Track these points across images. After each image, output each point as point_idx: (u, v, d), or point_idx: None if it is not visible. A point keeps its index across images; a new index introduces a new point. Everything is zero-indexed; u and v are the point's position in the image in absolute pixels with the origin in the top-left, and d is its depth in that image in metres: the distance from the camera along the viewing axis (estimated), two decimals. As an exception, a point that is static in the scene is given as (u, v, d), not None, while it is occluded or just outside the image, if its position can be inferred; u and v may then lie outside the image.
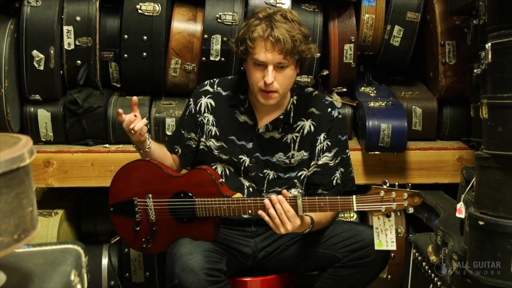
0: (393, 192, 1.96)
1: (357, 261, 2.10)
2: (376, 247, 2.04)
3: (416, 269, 2.41)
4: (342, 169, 2.26)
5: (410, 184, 1.99)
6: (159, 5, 2.73)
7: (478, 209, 1.78)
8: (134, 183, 2.17)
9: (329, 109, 2.24)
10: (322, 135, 2.22)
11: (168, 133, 2.74)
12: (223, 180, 2.19)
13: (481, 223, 1.72)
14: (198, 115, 2.27)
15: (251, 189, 2.22)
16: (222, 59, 2.75)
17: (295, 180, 2.23)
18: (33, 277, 1.07)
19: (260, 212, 2.01)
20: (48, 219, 2.73)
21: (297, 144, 2.22)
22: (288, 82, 2.11)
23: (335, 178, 2.23)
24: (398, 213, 2.00)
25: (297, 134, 2.22)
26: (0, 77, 2.55)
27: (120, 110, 2.12)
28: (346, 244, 2.13)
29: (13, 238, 0.95)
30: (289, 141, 2.22)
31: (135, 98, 2.15)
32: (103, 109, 2.77)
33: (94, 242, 2.88)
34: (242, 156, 2.22)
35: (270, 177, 2.22)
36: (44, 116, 2.76)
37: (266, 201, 1.99)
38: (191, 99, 2.31)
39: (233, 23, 2.73)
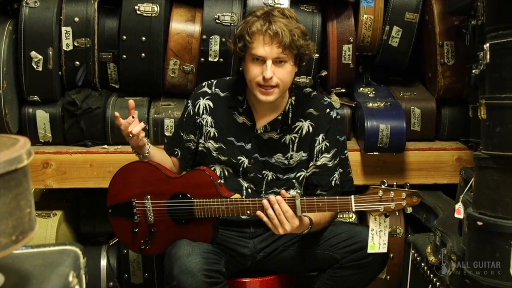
0: (392, 192, 1.96)
1: (356, 262, 2.10)
2: (369, 250, 2.04)
3: (415, 269, 2.41)
4: (340, 170, 2.26)
5: (408, 184, 1.98)
6: (158, 6, 2.73)
7: (476, 210, 1.78)
8: (132, 184, 2.17)
9: (328, 110, 2.24)
10: (321, 135, 2.22)
11: (167, 134, 2.74)
12: (222, 181, 2.19)
13: (479, 223, 1.73)
14: (196, 117, 2.26)
15: (249, 190, 2.22)
16: (221, 60, 2.75)
17: (294, 181, 2.23)
18: (31, 279, 1.07)
19: (259, 212, 2.00)
20: (47, 220, 2.73)
21: (295, 145, 2.22)
22: (287, 78, 2.10)
23: (334, 179, 2.23)
24: (397, 213, 2.00)
25: (295, 135, 2.22)
26: (-2, 78, 2.55)
27: (117, 114, 2.11)
28: (345, 245, 2.13)
29: (11, 239, 0.95)
30: (287, 142, 2.22)
31: (131, 101, 2.13)
32: (102, 110, 2.77)
33: (92, 243, 2.88)
34: (241, 157, 2.22)
35: (269, 178, 2.22)
36: (42, 117, 2.76)
37: (265, 201, 1.99)
38: (189, 101, 2.31)
39: (232, 24, 2.73)
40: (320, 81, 2.91)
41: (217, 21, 2.74)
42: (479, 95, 1.89)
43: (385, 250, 2.04)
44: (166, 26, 2.78)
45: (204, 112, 2.25)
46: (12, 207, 0.95)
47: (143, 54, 2.75)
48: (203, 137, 2.25)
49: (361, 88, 3.02)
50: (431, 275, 2.21)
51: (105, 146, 2.79)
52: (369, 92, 2.98)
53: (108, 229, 2.71)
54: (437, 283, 2.15)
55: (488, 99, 1.75)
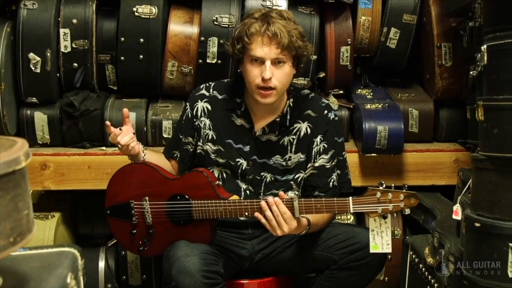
0: (390, 194, 1.96)
1: (354, 263, 2.10)
2: (372, 250, 2.04)
3: (413, 271, 2.41)
4: (338, 171, 2.26)
5: (406, 186, 1.99)
6: (156, 7, 2.73)
7: (474, 211, 1.79)
8: (130, 186, 2.16)
9: (326, 111, 2.24)
10: (319, 137, 2.22)
11: (165, 135, 2.74)
12: (220, 182, 2.19)
13: (477, 224, 1.73)
14: (194, 119, 2.26)
15: (248, 191, 2.22)
16: (219, 61, 2.75)
17: (292, 183, 2.23)
18: (29, 280, 1.07)
19: (257, 214, 2.01)
20: (45, 222, 2.73)
21: (293, 146, 2.22)
22: (285, 79, 2.11)
23: (332, 180, 2.23)
24: (395, 214, 2.01)
25: (293, 137, 2.22)
26: (-4, 80, 2.55)
27: (108, 123, 2.12)
28: (343, 246, 2.13)
29: (9, 241, 0.95)
30: (285, 143, 2.22)
31: (125, 110, 2.14)
32: (100, 112, 2.77)
33: (91, 245, 2.88)
34: (239, 159, 2.22)
35: (267, 180, 2.23)
36: (40, 118, 2.76)
37: (263, 203, 1.99)
38: (187, 104, 2.31)
39: (230, 26, 2.73)
40: (318, 82, 2.91)
41: (215, 22, 2.74)
42: (476, 96, 1.89)
43: (389, 250, 2.04)
44: (164, 27, 2.78)
45: (202, 114, 2.26)
46: (10, 209, 0.95)
47: (141, 56, 2.75)
48: (201, 140, 2.26)
49: (359, 90, 3.02)
50: (429, 277, 2.21)
51: (103, 147, 2.79)
52: (367, 94, 2.98)
53: (106, 231, 2.72)
54: (435, 285, 2.15)
55: (486, 101, 1.76)
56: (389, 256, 2.67)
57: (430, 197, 2.72)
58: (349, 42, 2.80)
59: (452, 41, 2.78)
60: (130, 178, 2.18)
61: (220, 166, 2.23)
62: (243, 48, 2.09)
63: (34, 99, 2.74)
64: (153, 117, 2.78)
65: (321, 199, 2.02)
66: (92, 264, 2.74)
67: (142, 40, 2.73)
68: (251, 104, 2.21)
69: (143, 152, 2.18)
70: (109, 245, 2.71)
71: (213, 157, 2.23)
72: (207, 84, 2.30)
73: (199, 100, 2.27)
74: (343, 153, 2.29)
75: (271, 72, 2.05)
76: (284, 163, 2.22)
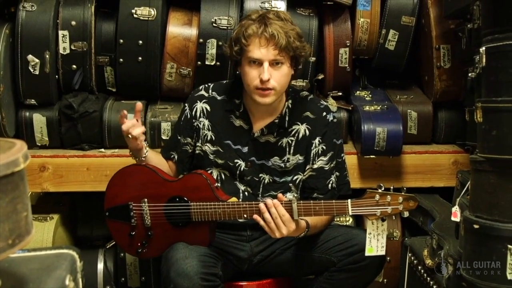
0: (388, 196, 1.96)
1: (352, 265, 2.10)
2: (367, 253, 2.04)
3: (411, 272, 2.41)
4: (337, 173, 2.26)
5: (405, 188, 1.99)
6: (155, 9, 2.73)
7: (473, 213, 1.79)
8: (129, 188, 2.16)
9: (324, 113, 2.25)
10: (317, 139, 2.22)
11: (164, 137, 2.74)
12: (219, 184, 2.19)
13: (476, 226, 1.73)
14: (193, 120, 2.27)
15: (246, 193, 2.22)
16: (218, 63, 2.75)
17: (291, 184, 2.23)
18: (28, 282, 1.07)
19: (256, 216, 2.01)
20: (44, 224, 2.72)
21: (292, 148, 2.22)
22: (283, 80, 2.11)
23: (330, 182, 2.23)
24: (393, 217, 2.00)
25: (292, 138, 2.22)
26: (-5, 82, 2.55)
27: (125, 112, 2.11)
28: (341, 248, 2.13)
29: (8, 243, 0.95)
30: (284, 145, 2.22)
31: (139, 104, 2.15)
32: (99, 114, 2.77)
33: (89, 246, 2.87)
34: (238, 160, 2.22)
35: (266, 181, 2.23)
36: (39, 120, 2.76)
37: (261, 205, 1.99)
38: (186, 104, 2.31)
39: (229, 28, 2.73)
40: (317, 84, 2.91)
41: (214, 24, 2.74)
42: (475, 98, 1.89)
43: (383, 252, 2.04)
44: (163, 29, 2.78)
45: (201, 115, 2.26)
46: (9, 210, 0.95)
47: (140, 58, 2.75)
48: (200, 140, 2.26)
49: (357, 92, 3.02)
50: (428, 278, 2.21)
51: (102, 149, 2.78)
52: (365, 96, 2.98)
53: (105, 233, 2.71)
54: (434, 286, 2.15)
55: (484, 103, 1.76)
56: (388, 258, 2.68)
57: (429, 199, 2.72)
58: (348, 44, 2.80)
59: (450, 43, 2.78)
60: (129, 180, 2.18)
61: (219, 167, 2.23)
62: (241, 49, 2.09)
63: (33, 101, 2.74)
64: (151, 119, 2.78)
65: (320, 202, 2.02)
66: (91, 266, 2.74)
67: (141, 42, 2.73)
68: (250, 105, 2.21)
69: (146, 149, 2.18)
70: (107, 247, 2.70)
71: (212, 158, 2.23)
72: (206, 85, 2.31)
73: (198, 101, 2.27)
74: (342, 155, 2.29)
75: (269, 74, 2.05)
76: (282, 165, 2.22)
